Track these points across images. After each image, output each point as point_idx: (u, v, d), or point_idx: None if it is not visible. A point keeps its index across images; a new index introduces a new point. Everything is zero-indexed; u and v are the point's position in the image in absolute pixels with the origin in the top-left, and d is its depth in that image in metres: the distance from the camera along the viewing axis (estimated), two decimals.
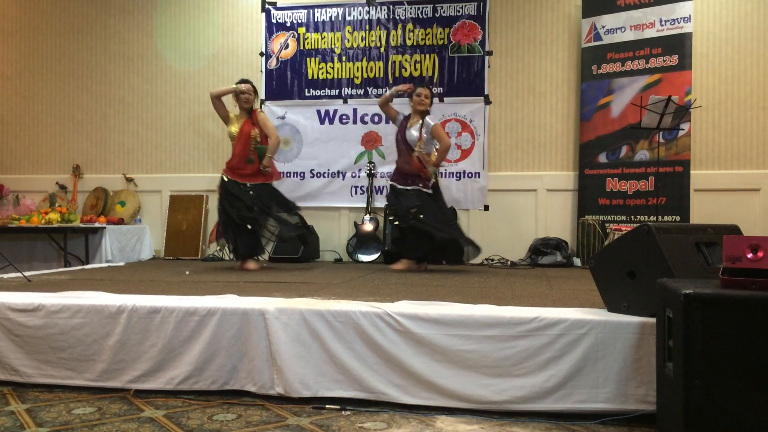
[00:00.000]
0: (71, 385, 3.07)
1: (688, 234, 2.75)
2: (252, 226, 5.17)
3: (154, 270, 5.35)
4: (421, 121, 5.18)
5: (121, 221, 6.80)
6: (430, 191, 5.22)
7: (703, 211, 6.03)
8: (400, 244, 5.41)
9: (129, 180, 7.24)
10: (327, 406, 2.79)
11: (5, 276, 4.53)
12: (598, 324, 2.66)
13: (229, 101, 5.40)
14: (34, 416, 2.67)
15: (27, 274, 4.54)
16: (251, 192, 5.24)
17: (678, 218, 5.89)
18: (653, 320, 2.48)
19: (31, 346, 3.11)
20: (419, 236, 5.08)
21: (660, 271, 2.51)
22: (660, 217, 5.78)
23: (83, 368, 3.06)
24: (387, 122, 6.59)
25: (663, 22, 6.04)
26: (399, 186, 5.24)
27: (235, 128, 5.30)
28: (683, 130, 5.90)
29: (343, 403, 2.80)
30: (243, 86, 5.30)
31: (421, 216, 5.04)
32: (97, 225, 6.44)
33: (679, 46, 5.97)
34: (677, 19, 5.98)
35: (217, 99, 5.32)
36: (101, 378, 3.04)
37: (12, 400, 2.90)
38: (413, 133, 5.18)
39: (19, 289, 3.67)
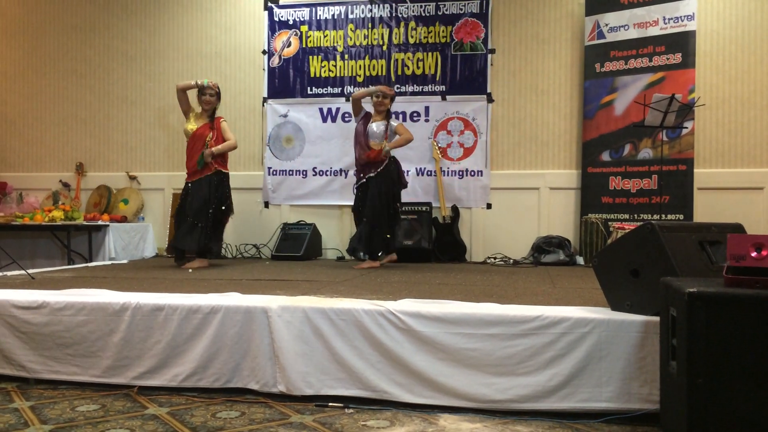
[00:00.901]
0: (77, 381, 3.09)
1: (691, 232, 2.75)
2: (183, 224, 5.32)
3: (157, 268, 5.36)
4: (386, 122, 5.48)
5: (124, 219, 6.81)
6: (369, 178, 5.40)
7: (706, 209, 6.02)
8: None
9: (132, 178, 7.24)
10: (330, 404, 2.79)
11: (9, 273, 4.54)
12: (601, 323, 2.66)
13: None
14: (38, 413, 2.68)
15: (31, 271, 4.55)
16: (190, 190, 5.36)
17: (681, 217, 5.88)
18: (657, 319, 2.48)
19: (36, 343, 3.13)
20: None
21: (663, 270, 2.51)
22: (663, 216, 5.77)
23: (88, 364, 3.08)
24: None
25: (666, 20, 6.03)
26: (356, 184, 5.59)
27: (191, 126, 5.41)
28: (687, 128, 5.88)
29: (346, 401, 2.81)
30: (208, 82, 5.43)
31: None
32: (100, 223, 6.45)
33: (682, 44, 5.96)
34: (681, 17, 5.97)
35: (181, 92, 5.51)
36: (106, 374, 3.05)
37: (16, 398, 2.91)
38: (378, 128, 5.43)
39: (23, 286, 3.68)
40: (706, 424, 2.03)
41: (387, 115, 5.55)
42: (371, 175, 5.41)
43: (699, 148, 6.10)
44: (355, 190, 5.65)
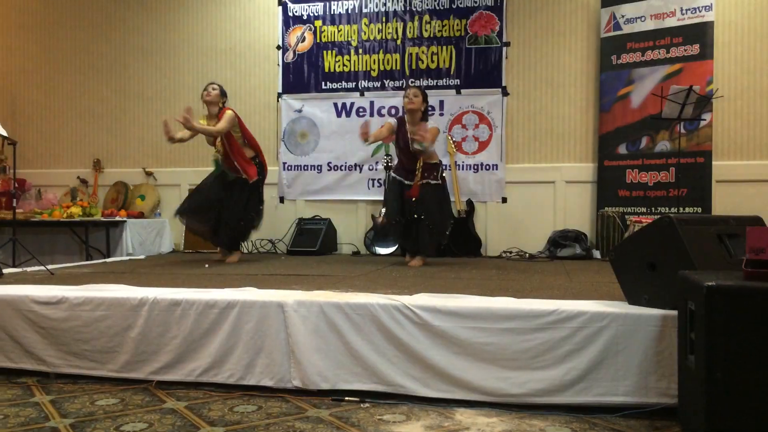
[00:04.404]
0: (95, 375, 3.12)
1: (710, 225, 2.72)
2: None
3: (174, 263, 5.40)
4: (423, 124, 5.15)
5: (141, 215, 6.86)
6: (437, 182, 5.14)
7: (725, 202, 5.95)
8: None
9: (148, 174, 7.29)
10: (346, 398, 2.80)
11: (29, 269, 4.60)
12: (619, 317, 2.65)
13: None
14: (58, 407, 2.71)
15: (50, 267, 4.60)
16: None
17: (699, 210, 5.82)
18: (674, 313, 2.46)
19: (55, 338, 3.17)
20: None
21: (681, 263, 2.48)
22: (681, 209, 5.71)
23: (106, 360, 3.11)
24: (404, 115, 6.58)
25: (684, 11, 5.95)
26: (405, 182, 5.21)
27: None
28: (705, 120, 5.82)
29: (362, 395, 2.81)
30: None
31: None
32: (117, 219, 6.50)
33: (700, 35, 5.89)
34: (698, 7, 5.90)
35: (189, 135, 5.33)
36: (124, 369, 3.08)
37: (37, 392, 2.95)
38: (417, 146, 5.06)
39: (42, 282, 3.73)
40: (725, 419, 2.01)
41: (423, 118, 5.14)
42: (430, 182, 5.10)
43: (717, 140, 6.02)
44: (391, 184, 5.41)
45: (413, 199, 5.04)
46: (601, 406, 2.62)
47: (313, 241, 6.37)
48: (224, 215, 5.29)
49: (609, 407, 2.62)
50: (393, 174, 5.32)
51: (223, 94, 5.34)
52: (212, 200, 5.30)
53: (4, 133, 4.81)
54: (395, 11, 6.75)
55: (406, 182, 5.15)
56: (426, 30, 6.68)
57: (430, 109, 6.55)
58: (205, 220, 5.33)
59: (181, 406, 2.72)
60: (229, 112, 5.20)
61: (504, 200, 6.53)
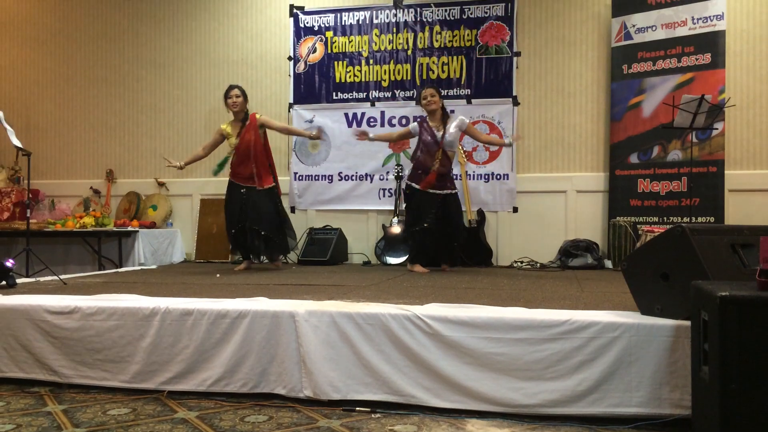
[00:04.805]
0: (107, 386, 3.13)
1: (723, 235, 2.70)
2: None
3: (185, 273, 5.42)
4: (442, 124, 5.36)
5: (153, 225, 6.90)
6: (449, 195, 5.41)
7: (738, 211, 5.91)
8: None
9: (161, 184, 7.34)
10: (357, 408, 2.79)
11: (42, 279, 4.63)
12: (631, 327, 2.63)
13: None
14: (70, 417, 2.72)
15: (63, 277, 4.63)
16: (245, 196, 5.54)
17: (712, 219, 5.78)
18: (688, 323, 2.44)
19: (68, 348, 3.18)
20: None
21: (694, 273, 2.47)
22: (693, 218, 5.67)
23: (118, 369, 3.12)
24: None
25: (695, 20, 5.94)
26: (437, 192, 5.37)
27: (233, 140, 5.54)
28: (717, 129, 5.79)
29: (373, 405, 2.81)
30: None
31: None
32: (130, 229, 6.55)
33: (711, 44, 5.87)
34: (710, 16, 5.88)
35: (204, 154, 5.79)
36: (135, 379, 3.09)
37: (49, 401, 2.97)
38: (449, 137, 5.34)
39: (55, 291, 3.75)
40: (740, 431, 1.99)
41: (443, 115, 5.42)
42: (454, 191, 5.41)
43: (729, 150, 5.99)
44: (411, 191, 5.49)
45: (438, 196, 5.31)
46: (614, 417, 2.61)
47: (324, 251, 6.37)
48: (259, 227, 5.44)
49: (622, 418, 2.60)
50: (414, 184, 5.40)
51: (245, 98, 5.58)
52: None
53: (19, 145, 4.86)
54: (406, 22, 6.77)
55: (430, 191, 5.33)
56: (437, 40, 6.70)
57: None
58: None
59: (192, 416, 2.72)
60: (263, 117, 5.69)
61: (515, 210, 6.52)
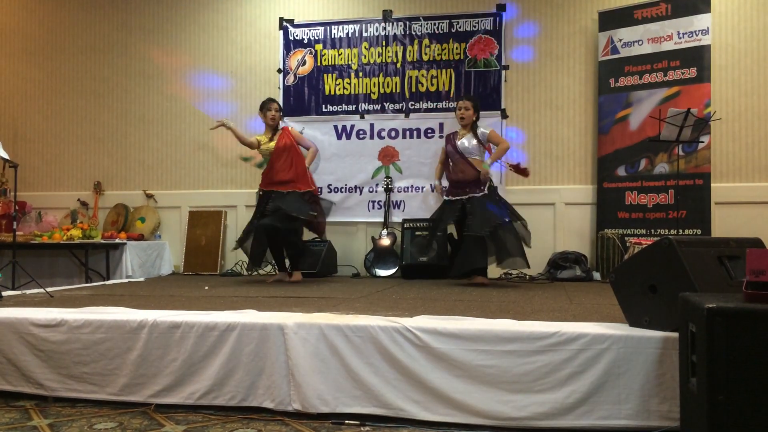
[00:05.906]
0: (94, 399, 3.10)
1: (710, 247, 2.72)
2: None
3: (173, 285, 5.39)
4: (472, 133, 5.46)
5: (141, 237, 6.86)
6: (483, 193, 5.36)
7: (724, 224, 5.97)
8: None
9: (149, 196, 7.31)
10: (346, 422, 2.78)
11: (28, 292, 4.59)
12: (620, 339, 2.64)
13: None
14: (56, 431, 2.69)
15: (49, 290, 4.59)
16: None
17: (699, 231, 5.83)
18: (676, 335, 2.45)
19: (54, 361, 3.15)
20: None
21: (682, 285, 2.48)
22: (680, 231, 5.72)
23: (105, 383, 3.09)
24: (404, 137, 6.72)
25: (681, 35, 6.02)
26: (453, 198, 5.49)
27: (268, 144, 5.69)
28: (703, 142, 5.85)
29: (362, 419, 2.79)
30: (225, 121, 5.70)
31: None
32: (117, 241, 6.50)
33: (697, 58, 5.94)
34: (695, 31, 5.96)
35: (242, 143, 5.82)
36: (123, 392, 3.06)
37: (35, 416, 2.93)
38: (469, 143, 5.43)
39: (41, 304, 3.72)
40: None
41: (473, 127, 5.51)
42: (476, 195, 5.35)
43: (716, 163, 6.05)
44: (443, 204, 5.64)
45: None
46: (603, 429, 2.61)
47: (314, 263, 6.35)
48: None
49: (611, 431, 2.60)
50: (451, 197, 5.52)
51: (281, 110, 5.95)
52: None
53: (6, 156, 4.83)
54: (395, 35, 6.81)
55: (451, 198, 5.50)
56: (426, 53, 6.74)
57: (430, 131, 6.67)
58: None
59: (180, 430, 2.70)
60: (294, 130, 6.03)
61: None
